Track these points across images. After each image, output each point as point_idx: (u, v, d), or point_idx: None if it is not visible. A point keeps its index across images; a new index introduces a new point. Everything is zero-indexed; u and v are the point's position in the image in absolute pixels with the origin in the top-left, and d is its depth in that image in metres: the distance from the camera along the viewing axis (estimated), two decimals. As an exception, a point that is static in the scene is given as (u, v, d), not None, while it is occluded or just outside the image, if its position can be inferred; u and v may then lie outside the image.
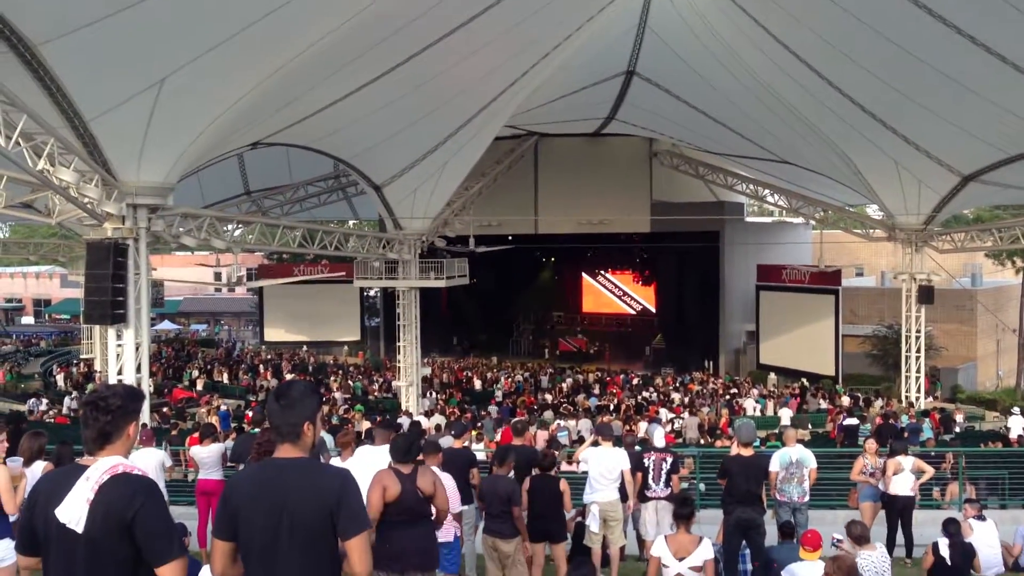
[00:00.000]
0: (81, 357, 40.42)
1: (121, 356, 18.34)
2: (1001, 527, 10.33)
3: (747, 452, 9.08)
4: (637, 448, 10.66)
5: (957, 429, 21.83)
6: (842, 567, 6.10)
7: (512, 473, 8.51)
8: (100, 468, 3.34)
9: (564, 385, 34.60)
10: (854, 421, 21.53)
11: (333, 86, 19.63)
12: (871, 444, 11.22)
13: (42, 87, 14.69)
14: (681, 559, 6.40)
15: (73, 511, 3.26)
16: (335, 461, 8.59)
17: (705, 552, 6.49)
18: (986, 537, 9.89)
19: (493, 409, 27.21)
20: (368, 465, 7.22)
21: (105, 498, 3.27)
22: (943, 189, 25.51)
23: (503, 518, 7.87)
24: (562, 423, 21.81)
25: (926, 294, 28.75)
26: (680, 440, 21.31)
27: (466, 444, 10.20)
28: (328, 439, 15.33)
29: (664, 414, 24.43)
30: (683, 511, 6.77)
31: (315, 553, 3.52)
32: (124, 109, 15.88)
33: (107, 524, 3.25)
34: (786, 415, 25.07)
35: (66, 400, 28.27)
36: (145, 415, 17.94)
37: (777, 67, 21.86)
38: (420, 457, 7.92)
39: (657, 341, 44.95)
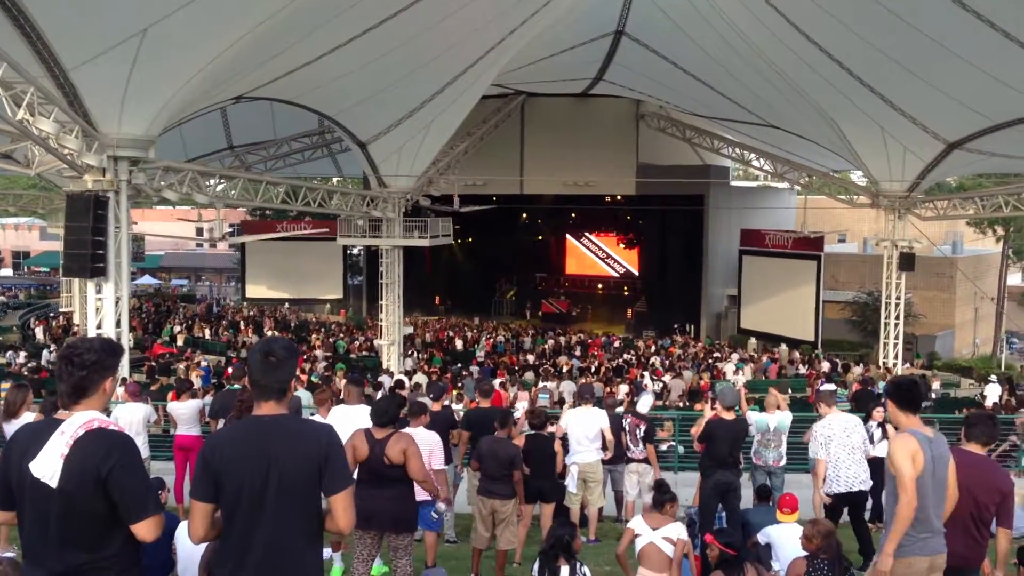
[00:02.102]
0: (60, 310, 40.15)
1: (100, 310, 18.24)
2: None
3: (729, 416, 9.13)
4: (619, 411, 10.75)
5: (933, 396, 22.07)
6: (821, 530, 6.15)
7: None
8: (75, 423, 3.30)
9: (546, 347, 34.71)
10: (831, 386, 21.72)
11: (319, 41, 19.35)
12: (880, 412, 10.95)
13: (22, 35, 14.42)
14: (655, 529, 6.42)
15: (47, 466, 3.22)
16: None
17: (680, 530, 6.50)
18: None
19: (475, 369, 27.27)
20: (344, 423, 7.23)
21: (80, 453, 3.23)
22: (928, 156, 25.58)
23: (503, 481, 7.90)
24: (543, 384, 21.89)
25: (907, 261, 28.95)
26: (661, 403, 21.46)
27: (446, 404, 10.23)
28: (306, 396, 15.33)
29: (646, 378, 24.56)
30: (662, 497, 6.65)
31: (302, 509, 3.51)
32: (105, 59, 15.62)
33: (81, 479, 3.22)
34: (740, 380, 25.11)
35: (44, 353, 28.10)
36: (124, 370, 17.90)
37: (766, 29, 21.72)
38: (405, 416, 7.96)
39: (640, 304, 45.14)
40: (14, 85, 14.76)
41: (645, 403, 10.86)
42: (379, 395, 18.07)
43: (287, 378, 3.61)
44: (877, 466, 10.34)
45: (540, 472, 8.69)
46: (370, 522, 6.31)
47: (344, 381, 20.29)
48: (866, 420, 10.47)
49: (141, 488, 3.33)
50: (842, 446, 8.56)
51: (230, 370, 21.69)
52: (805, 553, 5.95)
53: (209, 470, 3.49)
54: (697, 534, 8.53)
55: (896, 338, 29.33)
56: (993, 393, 21.35)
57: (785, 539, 6.99)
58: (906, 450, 4.81)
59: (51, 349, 28.74)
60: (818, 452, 8.58)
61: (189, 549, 5.27)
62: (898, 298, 29.33)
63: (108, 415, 3.51)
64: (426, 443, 7.41)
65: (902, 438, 4.92)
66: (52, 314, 41.40)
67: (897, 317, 29.30)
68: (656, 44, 26.38)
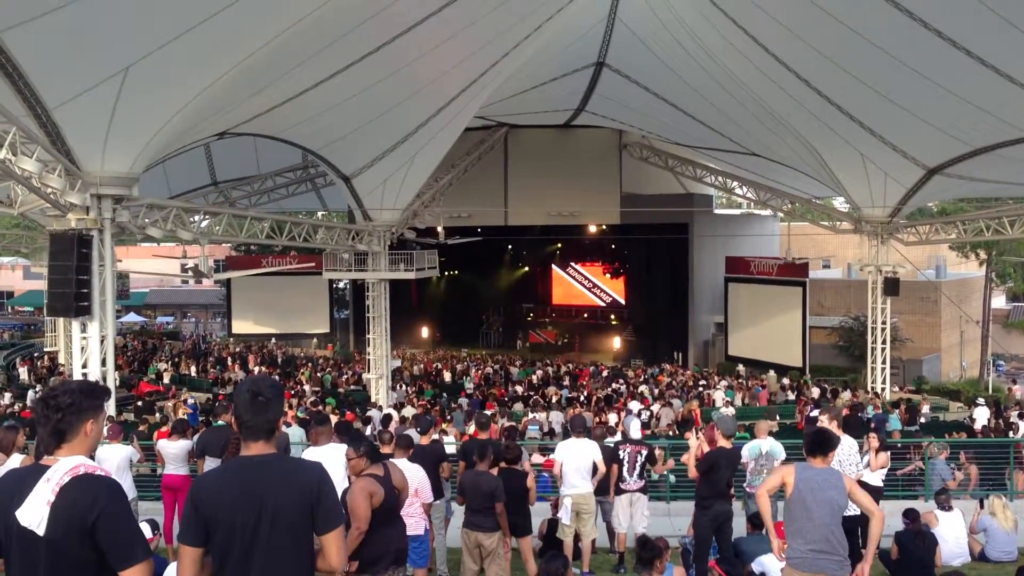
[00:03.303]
0: (45, 350, 39.79)
1: (86, 349, 18.07)
2: (967, 516, 10.47)
3: (728, 444, 9.07)
4: (615, 439, 10.66)
5: (922, 420, 22.12)
6: None
7: (495, 469, 8.50)
8: (61, 469, 3.24)
9: (534, 377, 34.62)
10: (818, 413, 21.71)
11: (302, 75, 19.41)
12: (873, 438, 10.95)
13: (3, 74, 14.38)
14: None
15: (34, 513, 3.16)
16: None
17: None
18: (952, 527, 10.02)
19: (464, 401, 27.15)
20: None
21: (66, 500, 3.17)
22: (909, 182, 25.80)
23: (485, 513, 7.86)
24: (533, 415, 21.80)
25: (892, 286, 29.10)
26: (650, 432, 21.39)
27: (434, 439, 10.16)
28: (297, 432, 15.22)
29: (635, 406, 24.50)
30: (646, 554, 6.41)
31: (295, 549, 3.50)
32: (88, 98, 15.58)
33: (69, 527, 3.15)
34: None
35: (30, 394, 27.82)
36: (111, 409, 17.72)
37: (746, 59, 21.95)
38: (388, 450, 7.92)
39: (627, 333, 45.16)
40: (-4, 125, 14.72)
41: (635, 428, 10.71)
42: (368, 429, 18.00)
43: (276, 418, 3.60)
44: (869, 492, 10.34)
45: (513, 507, 8.60)
46: (381, 561, 6.07)
47: (335, 417, 20.23)
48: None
49: (129, 535, 3.26)
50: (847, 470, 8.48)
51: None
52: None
53: (199, 514, 3.45)
54: (692, 564, 8.47)
55: (883, 362, 29.40)
56: (982, 416, 21.41)
57: (779, 568, 6.94)
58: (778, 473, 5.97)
59: (37, 390, 28.46)
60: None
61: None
62: (884, 323, 29.45)
63: (93, 460, 3.46)
64: (413, 478, 7.39)
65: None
66: (37, 354, 41.01)
67: (884, 342, 29.40)
68: (637, 75, 26.63)
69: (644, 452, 10.19)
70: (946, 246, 40.10)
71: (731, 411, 21.21)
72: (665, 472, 13.62)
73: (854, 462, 8.54)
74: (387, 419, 16.50)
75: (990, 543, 10.21)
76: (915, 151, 23.96)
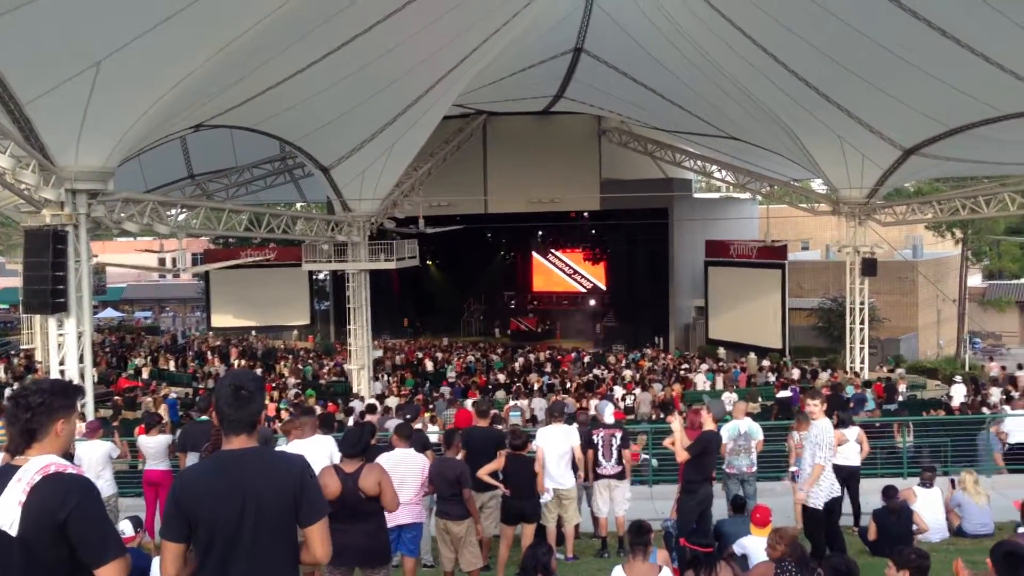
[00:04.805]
0: (21, 348, 39.44)
1: (63, 346, 17.96)
2: (945, 493, 10.61)
3: (714, 427, 9.15)
4: (587, 427, 10.69)
5: (900, 398, 22.34)
6: (784, 537, 6.23)
7: (462, 455, 8.50)
8: (32, 468, 3.22)
9: (516, 365, 34.67)
10: (787, 393, 21.90)
11: (278, 66, 19.29)
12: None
13: (-27, 70, 14.23)
14: None
15: (6, 514, 3.14)
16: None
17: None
18: (930, 504, 10.15)
19: (446, 390, 27.17)
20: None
21: (37, 499, 3.15)
22: (885, 163, 25.98)
23: (453, 500, 7.86)
24: (515, 403, 21.86)
25: (869, 266, 29.32)
26: (632, 416, 21.50)
27: (418, 427, 10.16)
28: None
29: (618, 391, 24.63)
30: (639, 540, 6.40)
31: (279, 542, 3.51)
32: (60, 92, 15.44)
33: (40, 526, 3.13)
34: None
35: (6, 392, 27.57)
36: (89, 406, 17.61)
37: (723, 42, 22.00)
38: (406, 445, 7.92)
39: (608, 319, 45.29)
40: (-32, 121, 14.56)
41: (608, 413, 10.71)
42: (350, 420, 17.95)
43: (257, 411, 3.61)
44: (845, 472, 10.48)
45: (521, 493, 8.65)
46: (341, 556, 6.09)
47: (318, 408, 20.20)
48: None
49: (101, 532, 3.23)
50: (827, 454, 8.53)
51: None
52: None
53: (181, 509, 3.46)
54: (674, 547, 8.54)
55: (862, 343, 29.66)
56: (959, 393, 21.64)
57: (760, 550, 7.03)
58: None
59: (13, 387, 28.23)
60: (816, 458, 8.42)
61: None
62: (862, 303, 29.68)
63: (72, 458, 3.44)
64: (419, 466, 7.71)
65: None
66: (13, 352, 40.65)
67: (862, 322, 29.64)
68: (615, 60, 26.62)
69: (619, 436, 10.21)
70: (923, 226, 40.41)
71: (733, 396, 21.21)
72: (642, 457, 13.65)
73: (829, 443, 8.56)
74: (369, 409, 16.48)
75: (966, 518, 10.37)
76: (891, 132, 24.12)
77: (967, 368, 34.75)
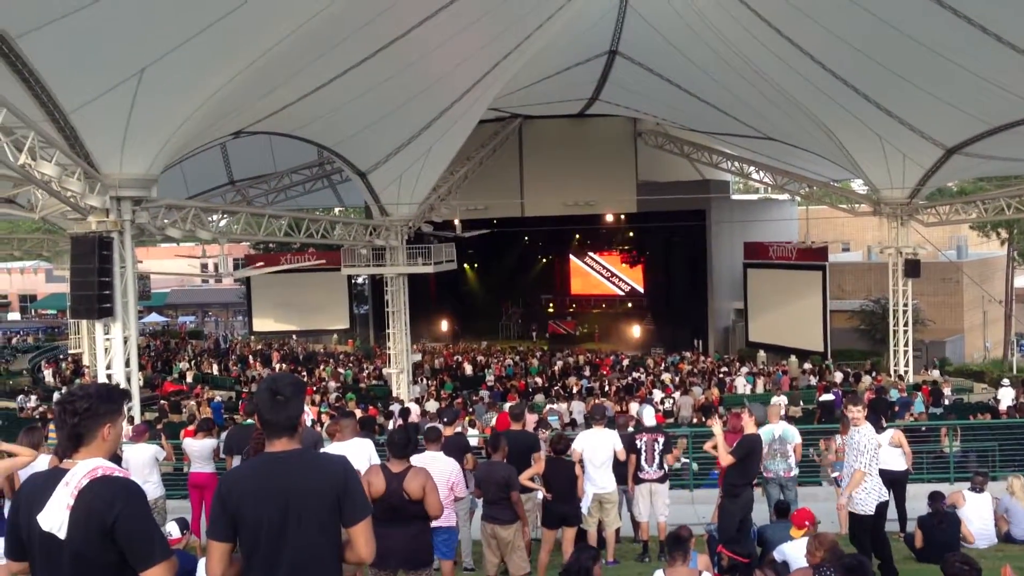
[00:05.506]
0: (69, 352, 40.18)
1: (109, 350, 18.23)
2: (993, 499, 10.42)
3: (756, 431, 9.07)
4: (630, 430, 10.64)
5: (946, 402, 21.97)
6: (824, 543, 6.15)
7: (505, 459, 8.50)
8: (79, 472, 3.26)
9: (555, 368, 34.62)
10: (830, 396, 21.60)
11: (315, 72, 19.46)
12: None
13: (20, 80, 14.50)
14: None
15: (54, 517, 3.19)
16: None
17: None
18: (979, 509, 9.96)
19: (484, 394, 27.22)
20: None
21: (85, 503, 3.19)
22: (927, 162, 25.57)
23: (501, 504, 7.85)
24: (553, 406, 21.84)
25: (912, 268, 28.87)
26: (672, 420, 21.38)
27: (458, 431, 10.18)
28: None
29: (657, 395, 24.50)
30: (677, 549, 6.35)
31: (323, 541, 3.54)
32: (104, 101, 15.70)
33: (88, 529, 3.18)
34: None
35: (55, 396, 28.14)
36: (135, 409, 17.89)
37: (759, 43, 21.79)
38: (436, 448, 7.90)
39: (647, 322, 45.07)
40: (15, 130, 14.82)
41: (649, 416, 10.65)
42: (391, 424, 18.06)
43: (296, 414, 3.63)
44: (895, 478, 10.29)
45: (562, 497, 8.65)
46: (386, 560, 6.16)
47: (359, 411, 20.35)
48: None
49: (147, 535, 3.27)
50: (873, 458, 8.34)
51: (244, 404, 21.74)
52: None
53: (226, 509, 3.50)
54: (715, 552, 8.47)
55: (906, 345, 29.20)
56: (1007, 396, 21.24)
57: (800, 556, 6.94)
58: None
59: (62, 392, 28.78)
60: (857, 463, 8.22)
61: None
62: (905, 305, 29.23)
63: (119, 461, 3.50)
64: (447, 471, 7.43)
65: None
66: (61, 356, 41.45)
67: (905, 324, 29.19)
68: (650, 62, 26.49)
69: (661, 440, 10.16)
70: (967, 226, 39.69)
71: (783, 399, 20.98)
72: (683, 460, 13.56)
73: (871, 449, 8.35)
74: (405, 412, 16.56)
75: (1014, 524, 10.16)
76: (933, 131, 23.74)
77: (1015, 371, 34.08)
